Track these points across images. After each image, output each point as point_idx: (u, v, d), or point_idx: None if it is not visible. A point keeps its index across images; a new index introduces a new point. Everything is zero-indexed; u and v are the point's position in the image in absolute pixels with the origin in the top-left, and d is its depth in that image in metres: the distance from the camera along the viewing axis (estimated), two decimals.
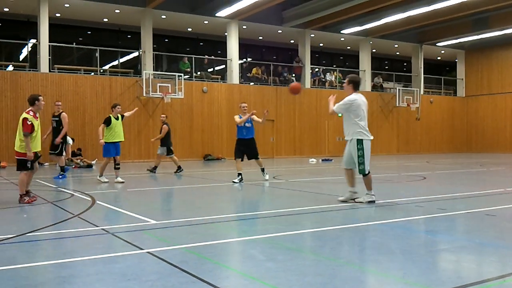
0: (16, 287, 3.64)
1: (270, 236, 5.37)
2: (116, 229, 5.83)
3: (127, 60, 25.81)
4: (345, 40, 30.13)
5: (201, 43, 29.46)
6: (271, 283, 3.64)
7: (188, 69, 24.33)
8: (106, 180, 11.83)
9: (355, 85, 7.92)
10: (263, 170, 12.45)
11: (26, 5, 21.36)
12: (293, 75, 28.06)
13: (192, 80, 24.08)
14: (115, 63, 25.34)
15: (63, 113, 13.62)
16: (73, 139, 19.40)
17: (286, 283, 3.65)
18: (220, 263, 4.40)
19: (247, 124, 12.01)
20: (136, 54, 24.64)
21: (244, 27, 25.99)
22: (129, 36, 26.83)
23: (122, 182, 11.56)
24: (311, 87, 27.92)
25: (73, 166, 18.21)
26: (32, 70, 21.03)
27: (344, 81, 8.06)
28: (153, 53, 23.65)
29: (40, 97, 8.39)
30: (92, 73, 22.83)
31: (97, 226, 6.05)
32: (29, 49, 22.76)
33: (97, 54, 22.90)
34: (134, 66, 24.54)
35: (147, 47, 23.34)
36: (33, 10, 21.25)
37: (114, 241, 5.27)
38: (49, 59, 21.09)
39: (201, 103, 23.79)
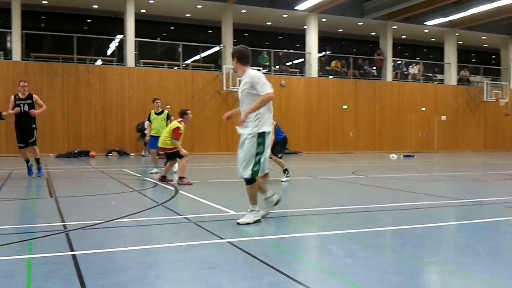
0: (104, 271, 3.86)
1: (350, 232, 5.31)
2: (197, 218, 6.00)
3: (209, 54, 26.39)
4: (429, 31, 29.00)
5: (280, 37, 29.52)
6: (350, 279, 3.60)
7: (267, 63, 24.49)
8: (156, 170, 12.01)
9: (241, 58, 5.76)
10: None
11: (113, 2, 22.42)
12: (374, 68, 27.43)
13: (271, 74, 24.20)
14: (197, 57, 26.00)
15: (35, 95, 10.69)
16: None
17: (366, 280, 3.60)
18: (299, 256, 4.42)
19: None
20: (217, 48, 25.14)
21: (324, 20, 25.73)
22: (210, 31, 27.41)
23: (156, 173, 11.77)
24: (392, 80, 27.17)
25: (158, 157, 18.94)
26: (119, 65, 22.09)
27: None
28: (233, 48, 24.00)
29: (188, 111, 10.14)
30: (175, 68, 23.59)
31: (180, 215, 6.27)
32: (116, 44, 23.88)
33: (180, 49, 23.61)
34: (215, 61, 25.06)
35: (228, 42, 23.77)
36: (120, 7, 22.26)
37: (196, 229, 5.43)
38: (135, 53, 22.04)
39: (279, 97, 23.86)
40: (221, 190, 8.99)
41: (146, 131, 13.59)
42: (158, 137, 11.67)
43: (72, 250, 4.38)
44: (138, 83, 21.54)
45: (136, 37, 22.03)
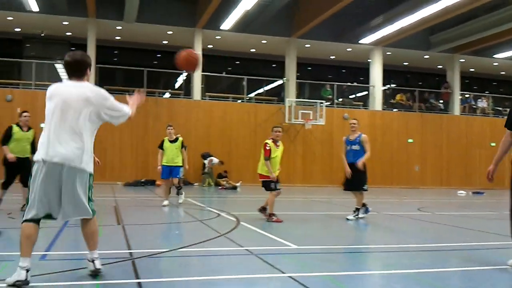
0: None
1: (416, 272, 5.13)
2: (259, 250, 6.01)
3: (272, 88, 26.74)
4: (499, 65, 28.02)
5: (343, 70, 29.49)
6: None
7: (330, 96, 24.47)
8: (167, 203, 11.28)
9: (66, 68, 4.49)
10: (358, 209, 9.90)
11: (182, 38, 23.30)
12: (441, 101, 26.74)
13: (334, 106, 24.14)
14: (260, 91, 26.40)
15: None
16: (221, 162, 20.56)
17: None
18: None
19: (353, 147, 9.94)
20: (280, 82, 25.44)
21: (389, 53, 25.51)
22: (274, 65, 27.83)
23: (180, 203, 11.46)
24: (460, 114, 26.35)
25: (219, 188, 19.26)
26: (186, 97, 22.81)
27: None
28: (296, 81, 24.27)
29: (275, 128, 9.47)
30: (239, 101, 24.05)
31: (241, 247, 6.30)
32: (184, 78, 24.71)
33: (244, 83, 24.09)
34: (278, 94, 25.33)
35: (291, 75, 24.03)
36: (188, 42, 23.10)
37: (257, 262, 5.44)
38: (202, 87, 22.71)
39: (342, 130, 23.66)
40: (283, 223, 8.97)
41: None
42: (172, 166, 11.36)
43: (137, 277, 4.50)
44: (204, 115, 22.11)
45: (202, 71, 22.73)
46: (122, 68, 24.53)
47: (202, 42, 23.03)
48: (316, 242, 7.20)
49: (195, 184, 20.70)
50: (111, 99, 4.43)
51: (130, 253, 5.64)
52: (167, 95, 24.44)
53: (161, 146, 11.53)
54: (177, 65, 5.41)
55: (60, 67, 24.08)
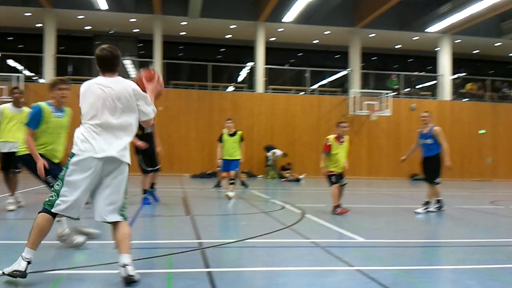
0: None
1: (489, 268, 4.95)
2: (325, 243, 6.00)
3: (335, 79, 26.43)
4: None
5: (410, 59, 28.65)
6: None
7: (396, 86, 23.87)
8: (233, 194, 11.22)
9: (100, 62, 4.38)
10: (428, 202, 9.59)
11: (245, 32, 23.47)
12: None
13: (400, 97, 23.53)
14: (324, 82, 26.16)
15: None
16: (285, 154, 20.59)
17: None
18: None
19: (427, 141, 9.57)
20: (344, 73, 25.10)
21: (458, 41, 24.51)
22: (337, 56, 27.47)
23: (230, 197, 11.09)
24: None
25: (283, 180, 19.33)
26: (250, 91, 22.99)
27: None
28: (360, 72, 23.86)
29: (341, 123, 9.27)
30: (302, 93, 23.95)
31: (307, 239, 6.31)
32: (248, 71, 24.92)
33: (307, 74, 23.95)
34: (342, 85, 25.01)
35: (355, 66, 23.65)
36: (251, 36, 23.24)
37: (323, 255, 5.43)
38: (265, 80, 22.80)
39: (409, 121, 23.04)
40: (348, 216, 8.88)
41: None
42: (230, 160, 11.37)
43: (207, 267, 4.62)
44: (267, 108, 22.20)
45: (265, 64, 22.81)
46: (187, 63, 25.07)
47: (265, 35, 23.09)
48: (384, 235, 7.08)
49: (259, 176, 20.85)
50: (146, 95, 4.35)
51: (199, 242, 5.78)
52: (231, 88, 24.74)
53: (220, 139, 11.61)
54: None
55: (128, 63, 24.94)
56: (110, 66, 4.29)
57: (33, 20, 22.08)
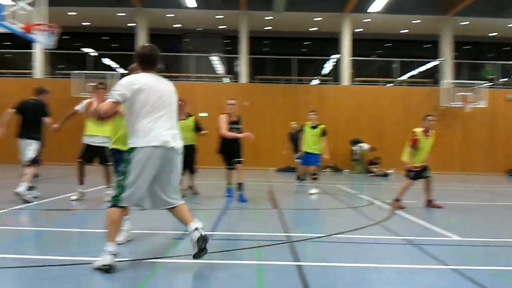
0: (327, 284, 3.98)
1: None
2: (418, 240, 5.79)
3: (425, 70, 25.41)
4: None
5: (506, 48, 26.88)
6: None
7: (492, 76, 22.51)
8: (313, 191, 10.92)
9: (143, 60, 4.55)
10: None
11: (330, 24, 23.16)
12: None
13: (496, 88, 22.16)
14: (413, 73, 25.24)
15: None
16: (373, 148, 20.13)
17: None
18: None
19: None
20: (435, 63, 24.06)
21: None
22: (426, 46, 26.38)
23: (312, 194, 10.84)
24: None
25: (370, 175, 18.93)
26: (335, 83, 22.70)
27: None
28: (452, 62, 22.76)
29: (428, 116, 9.08)
30: (390, 84, 23.27)
31: (399, 236, 6.13)
32: (334, 63, 24.62)
33: (395, 65, 23.23)
34: (432, 76, 23.99)
35: (447, 56, 22.58)
36: (337, 27, 22.89)
37: (417, 252, 5.25)
38: (351, 72, 22.41)
39: (507, 112, 21.68)
40: (439, 212, 8.51)
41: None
42: (312, 154, 11.05)
43: (296, 260, 4.63)
44: (353, 100, 21.80)
45: (351, 55, 22.40)
46: (272, 58, 25.24)
47: (350, 26, 22.68)
48: (480, 234, 6.72)
49: (345, 170, 20.56)
50: None
51: (287, 236, 5.81)
52: (316, 81, 24.57)
53: (301, 130, 11.54)
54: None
55: (215, 60, 25.54)
56: (153, 64, 4.52)
57: (126, 20, 23.18)
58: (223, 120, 9.35)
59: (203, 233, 4.26)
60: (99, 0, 21.58)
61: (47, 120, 8.79)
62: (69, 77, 20.63)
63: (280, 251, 5.09)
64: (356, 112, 21.59)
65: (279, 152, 21.58)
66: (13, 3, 9.71)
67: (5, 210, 7.40)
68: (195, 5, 20.66)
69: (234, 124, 9.41)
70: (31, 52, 22.39)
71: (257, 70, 23.89)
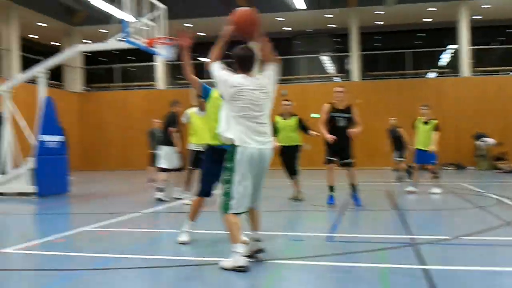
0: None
1: None
2: None
3: None
4: None
5: None
6: None
7: None
8: (413, 189, 10.58)
9: (239, 62, 4.56)
10: None
11: (446, 13, 22.02)
12: None
13: None
14: None
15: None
16: (499, 143, 18.80)
17: None
18: None
19: None
20: None
21: None
22: None
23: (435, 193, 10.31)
24: None
25: (497, 171, 17.71)
26: (454, 75, 21.54)
27: None
28: None
29: None
30: None
31: None
32: (452, 54, 23.39)
33: None
34: None
35: None
36: (453, 16, 21.72)
37: None
38: (471, 62, 21.14)
39: None
40: None
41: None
42: (426, 151, 10.46)
43: (423, 264, 4.51)
44: (475, 92, 20.52)
45: (470, 45, 21.13)
46: (384, 53, 24.62)
47: (468, 14, 21.38)
48: None
49: (469, 167, 19.44)
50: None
51: (411, 238, 5.67)
52: (432, 74, 23.51)
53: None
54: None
55: (326, 59, 25.48)
56: (251, 66, 4.55)
57: None
58: (323, 110, 8.47)
59: (261, 246, 4.60)
60: (213, 10, 22.49)
61: (171, 129, 9.46)
62: (188, 86, 21.79)
63: (404, 254, 4.99)
64: (479, 105, 20.30)
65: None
66: (136, 20, 10.50)
67: (137, 214, 8.05)
68: (304, 6, 20.77)
69: (340, 113, 8.39)
70: (153, 65, 24.00)
71: (369, 66, 23.46)
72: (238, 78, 4.48)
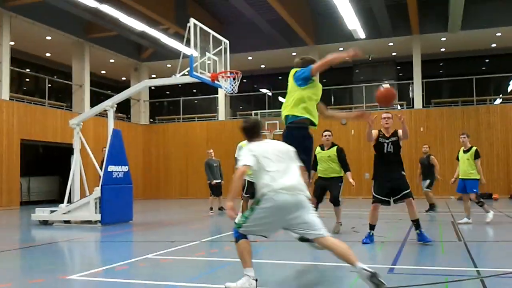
0: None
1: None
2: None
3: None
4: None
5: None
6: None
7: None
8: (466, 220, 10.21)
9: (246, 133, 5.03)
10: None
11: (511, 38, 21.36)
12: None
13: None
14: None
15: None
16: None
17: None
18: None
19: None
20: None
21: None
22: None
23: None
24: None
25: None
26: None
27: None
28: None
29: None
30: None
31: None
32: None
33: None
34: None
35: None
36: None
37: None
38: None
39: None
40: None
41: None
42: (465, 180, 10.13)
43: None
44: None
45: None
46: (447, 80, 24.08)
47: None
48: None
49: None
50: None
51: (477, 271, 5.42)
52: (498, 101, 22.66)
53: (458, 157, 10.63)
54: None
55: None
56: (256, 134, 4.97)
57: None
58: (370, 134, 7.59)
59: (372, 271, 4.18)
60: (273, 43, 22.86)
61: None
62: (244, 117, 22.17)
63: (471, 287, 4.78)
64: None
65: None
66: (201, 55, 10.79)
67: (198, 242, 8.18)
68: (364, 36, 20.71)
69: (386, 139, 7.69)
70: (215, 97, 24.65)
71: (432, 94, 22.96)
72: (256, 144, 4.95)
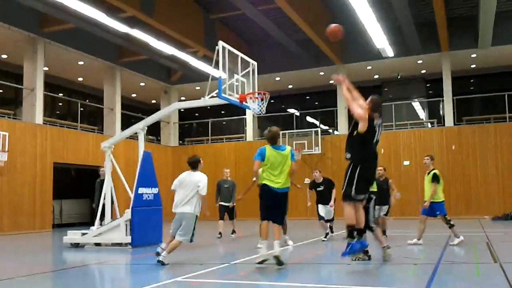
0: None
1: None
2: None
3: None
4: None
5: None
6: None
7: None
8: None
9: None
10: None
11: None
12: None
13: None
14: None
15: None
16: None
17: None
18: None
19: None
20: None
21: None
22: None
23: None
24: None
25: None
26: None
27: None
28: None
29: None
30: None
31: None
32: None
33: None
34: None
35: None
36: None
37: None
38: None
39: None
40: None
41: None
42: (432, 202, 9.97)
43: None
44: None
45: None
46: (479, 97, 23.69)
47: None
48: None
49: None
50: None
51: None
52: None
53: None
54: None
55: (417, 105, 24.86)
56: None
57: (327, 78, 23.66)
58: None
59: None
60: (301, 63, 22.92)
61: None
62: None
63: None
64: None
65: (494, 198, 19.70)
66: (230, 76, 10.84)
67: (227, 264, 8.13)
68: (392, 54, 20.59)
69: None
70: (243, 118, 24.79)
71: (463, 111, 22.56)
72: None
